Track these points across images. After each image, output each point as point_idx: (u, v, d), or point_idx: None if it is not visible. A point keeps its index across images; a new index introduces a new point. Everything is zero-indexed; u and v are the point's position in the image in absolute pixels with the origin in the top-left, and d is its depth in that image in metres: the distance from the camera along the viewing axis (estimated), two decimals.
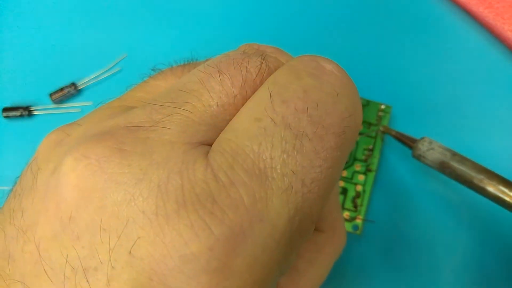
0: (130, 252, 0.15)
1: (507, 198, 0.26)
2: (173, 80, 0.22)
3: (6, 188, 0.35)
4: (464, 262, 0.32)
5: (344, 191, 0.32)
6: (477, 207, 0.33)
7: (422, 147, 0.29)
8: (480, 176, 0.27)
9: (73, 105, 0.36)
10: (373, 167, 0.32)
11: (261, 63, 0.20)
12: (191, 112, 0.18)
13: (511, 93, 0.34)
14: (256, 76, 0.19)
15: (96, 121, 0.19)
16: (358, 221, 0.31)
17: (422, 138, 0.30)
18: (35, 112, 0.36)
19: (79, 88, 0.36)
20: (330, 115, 0.18)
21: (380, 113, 0.32)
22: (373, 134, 0.32)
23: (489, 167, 0.33)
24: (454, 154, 0.28)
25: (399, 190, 0.33)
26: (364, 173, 0.32)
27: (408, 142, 0.30)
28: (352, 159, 0.32)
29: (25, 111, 0.36)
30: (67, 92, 0.35)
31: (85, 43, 0.37)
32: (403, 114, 0.34)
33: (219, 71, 0.19)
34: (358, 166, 0.32)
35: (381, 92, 0.34)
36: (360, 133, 0.32)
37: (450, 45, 0.35)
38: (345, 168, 0.32)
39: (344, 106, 0.18)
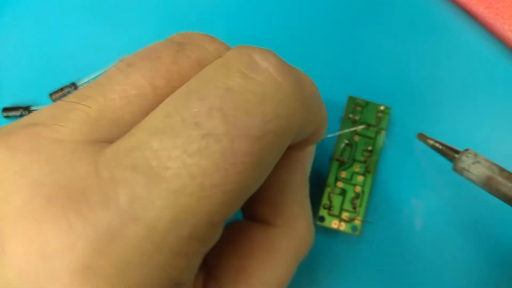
0: (3, 250, 0.15)
1: None
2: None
3: None
4: (464, 262, 0.32)
5: (343, 192, 0.32)
6: (477, 207, 0.33)
7: (467, 160, 0.27)
8: None
9: None
10: (372, 168, 0.32)
11: (177, 51, 0.19)
12: (90, 107, 0.17)
13: (511, 92, 0.34)
14: (171, 64, 0.18)
15: (10, 124, 0.19)
16: (357, 222, 0.31)
17: (466, 149, 0.27)
18: None
19: (79, 88, 0.36)
20: (249, 116, 0.17)
21: (380, 114, 0.32)
22: (373, 135, 0.32)
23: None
24: (502, 170, 0.26)
25: (399, 191, 0.33)
26: (363, 174, 0.32)
27: (449, 153, 0.28)
28: (351, 160, 0.32)
29: (25, 111, 0.36)
30: (67, 92, 0.36)
31: (85, 43, 0.37)
32: (402, 115, 0.34)
33: (128, 63, 0.18)
34: (357, 167, 0.32)
35: (380, 93, 0.34)
36: (360, 135, 0.32)
37: (450, 45, 0.35)
38: (344, 169, 0.32)
39: (270, 108, 0.17)
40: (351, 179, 0.32)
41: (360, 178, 0.32)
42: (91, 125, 0.17)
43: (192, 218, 0.16)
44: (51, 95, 0.36)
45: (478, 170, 0.26)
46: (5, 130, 0.17)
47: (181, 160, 0.15)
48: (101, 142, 0.17)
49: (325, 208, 0.31)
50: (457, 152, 0.28)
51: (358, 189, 0.32)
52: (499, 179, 0.26)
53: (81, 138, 0.17)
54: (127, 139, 0.16)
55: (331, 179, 0.32)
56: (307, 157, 0.26)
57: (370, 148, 0.32)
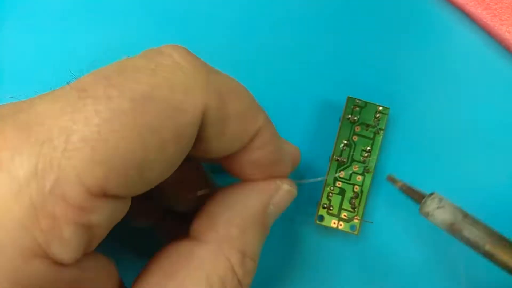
0: None
1: None
2: None
3: None
4: (464, 261, 0.32)
5: (342, 192, 0.32)
6: (477, 206, 0.33)
7: (432, 205, 0.27)
8: (491, 246, 0.25)
9: None
10: (371, 168, 0.32)
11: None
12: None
13: (509, 94, 0.34)
14: None
15: None
16: (356, 222, 0.32)
17: (432, 194, 0.27)
18: None
19: None
20: (135, 82, 0.17)
21: (378, 115, 0.32)
22: (371, 135, 0.32)
23: (488, 166, 0.33)
24: (466, 216, 0.26)
25: (397, 191, 0.33)
26: (362, 174, 0.32)
27: (415, 197, 0.28)
28: (350, 160, 0.32)
29: None
30: None
31: (85, 44, 0.37)
32: (401, 116, 0.34)
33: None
34: (356, 167, 0.32)
35: (379, 94, 0.34)
36: (359, 135, 0.32)
37: (448, 46, 0.35)
38: (343, 169, 0.32)
39: (161, 79, 0.18)
40: (350, 179, 0.32)
41: (359, 178, 0.32)
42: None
43: (54, 171, 0.16)
44: None
45: (442, 216, 0.27)
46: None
47: (56, 116, 0.16)
48: None
49: (324, 208, 0.32)
50: (422, 196, 0.28)
51: (357, 188, 0.32)
52: (462, 225, 0.26)
53: None
54: (20, 103, 0.18)
55: (330, 179, 0.32)
56: (274, 193, 0.24)
57: (368, 148, 0.32)
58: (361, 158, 0.32)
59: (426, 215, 0.27)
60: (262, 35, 0.36)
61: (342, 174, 0.32)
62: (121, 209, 0.18)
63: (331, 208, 0.32)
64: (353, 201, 0.32)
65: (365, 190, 0.32)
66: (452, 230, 0.26)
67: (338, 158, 0.32)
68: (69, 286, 0.18)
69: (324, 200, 0.32)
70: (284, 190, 0.25)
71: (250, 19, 0.36)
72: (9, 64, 0.37)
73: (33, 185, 0.15)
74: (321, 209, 0.32)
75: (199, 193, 0.25)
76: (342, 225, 0.31)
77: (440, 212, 0.27)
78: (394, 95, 0.34)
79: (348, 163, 0.32)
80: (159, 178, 0.19)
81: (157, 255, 0.22)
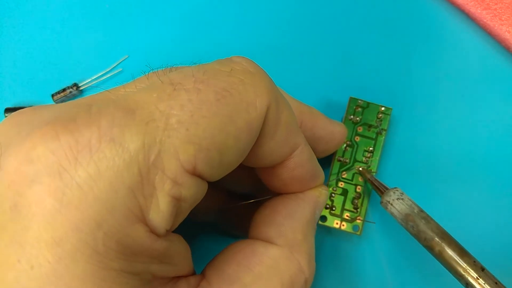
0: None
1: (459, 269, 0.26)
2: None
3: None
4: None
5: (345, 192, 0.32)
6: (476, 205, 0.34)
7: (393, 195, 0.29)
8: (440, 241, 0.27)
9: None
10: (374, 168, 0.32)
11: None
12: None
13: (509, 93, 0.35)
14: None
15: None
16: (359, 222, 0.32)
17: (395, 188, 0.29)
18: None
19: (81, 88, 0.36)
20: (217, 78, 0.20)
21: (380, 115, 0.33)
22: (374, 135, 0.33)
23: (486, 166, 0.34)
24: (421, 211, 0.28)
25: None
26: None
27: (380, 188, 0.30)
28: (352, 161, 0.32)
29: None
30: (69, 93, 0.36)
31: (87, 44, 0.37)
32: (403, 116, 0.34)
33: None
34: (358, 168, 0.32)
35: (381, 94, 0.35)
36: (361, 135, 0.33)
37: (448, 46, 0.36)
38: (345, 170, 0.32)
39: (236, 79, 0.21)
40: (352, 179, 0.32)
41: (361, 178, 0.32)
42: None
43: (157, 145, 0.18)
44: (53, 95, 0.36)
45: (400, 206, 0.29)
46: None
47: (155, 103, 0.19)
48: None
49: (326, 208, 0.32)
50: (387, 189, 0.30)
51: (359, 189, 0.32)
52: (417, 218, 0.28)
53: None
54: (119, 92, 0.21)
55: (332, 180, 0.32)
56: (318, 200, 0.27)
57: (371, 148, 0.32)
58: (363, 159, 0.32)
59: (386, 204, 0.29)
60: (266, 36, 0.36)
61: (344, 174, 0.32)
62: (202, 190, 0.21)
63: (333, 208, 0.32)
64: (356, 201, 0.32)
65: (368, 190, 0.32)
66: (406, 220, 0.28)
67: (341, 159, 0.32)
68: (160, 255, 0.20)
69: (327, 201, 0.32)
70: (325, 193, 0.28)
71: (254, 20, 0.37)
72: (10, 64, 0.37)
73: (141, 156, 0.18)
74: (323, 209, 0.32)
75: None
76: (344, 226, 0.32)
77: (398, 203, 0.29)
78: (396, 96, 0.35)
79: (351, 164, 0.32)
80: (233, 164, 0.22)
81: (229, 248, 0.25)
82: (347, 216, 0.32)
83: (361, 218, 0.32)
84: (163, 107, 0.19)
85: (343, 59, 0.36)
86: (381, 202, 0.30)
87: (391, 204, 0.29)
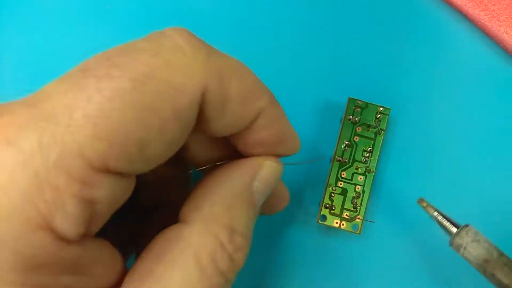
0: None
1: None
2: None
3: None
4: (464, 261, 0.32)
5: (344, 192, 0.32)
6: (476, 205, 0.34)
7: (466, 237, 0.25)
8: None
9: None
10: (373, 168, 0.33)
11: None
12: None
13: (507, 94, 0.35)
14: None
15: None
16: (358, 221, 0.32)
17: (467, 225, 0.26)
18: None
19: None
20: (135, 62, 0.18)
21: (379, 115, 0.33)
22: (373, 135, 0.33)
23: (487, 167, 0.34)
24: (501, 254, 0.25)
25: (398, 190, 0.34)
26: (364, 174, 0.32)
27: (448, 227, 0.27)
28: (351, 161, 0.32)
29: None
30: None
31: (88, 44, 0.37)
32: (401, 116, 0.35)
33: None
34: (357, 167, 0.32)
35: (380, 95, 0.35)
36: (360, 135, 0.33)
37: (446, 47, 0.36)
38: (345, 170, 0.32)
39: (161, 60, 0.19)
40: (351, 179, 0.32)
41: (360, 178, 0.32)
42: None
43: (57, 145, 0.16)
44: None
45: (477, 250, 0.25)
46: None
47: (61, 94, 0.17)
48: None
49: (326, 208, 0.32)
50: (457, 226, 0.27)
51: (358, 188, 0.32)
52: (497, 264, 0.25)
53: None
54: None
55: (332, 179, 0.32)
56: (258, 172, 0.24)
57: (370, 148, 0.33)
58: (363, 159, 0.33)
59: (459, 247, 0.26)
60: (263, 36, 0.36)
61: (344, 174, 0.32)
62: (124, 188, 0.19)
63: (333, 208, 0.32)
64: (355, 201, 0.32)
65: (367, 190, 0.32)
66: (485, 267, 0.25)
67: (340, 159, 0.32)
68: (72, 264, 0.18)
69: (326, 200, 0.32)
70: (268, 166, 0.24)
71: (251, 20, 0.37)
72: (10, 64, 0.37)
73: (38, 157, 0.16)
74: (323, 209, 0.32)
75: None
76: (344, 225, 0.32)
77: (474, 246, 0.25)
78: (394, 96, 0.35)
79: (350, 164, 0.32)
80: (160, 157, 0.19)
81: (149, 243, 0.22)
82: (346, 215, 0.32)
83: (360, 217, 0.32)
84: (69, 99, 0.17)
85: (341, 60, 0.36)
86: (451, 244, 0.27)
87: (465, 248, 0.25)
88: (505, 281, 0.24)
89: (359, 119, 0.33)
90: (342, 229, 0.32)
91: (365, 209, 0.32)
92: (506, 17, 0.35)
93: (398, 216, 0.33)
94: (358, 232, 0.32)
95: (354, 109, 0.33)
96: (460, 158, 0.34)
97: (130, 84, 0.17)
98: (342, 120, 0.33)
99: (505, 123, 0.35)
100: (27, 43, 0.37)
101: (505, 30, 0.35)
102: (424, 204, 0.29)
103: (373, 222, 0.33)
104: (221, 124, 0.21)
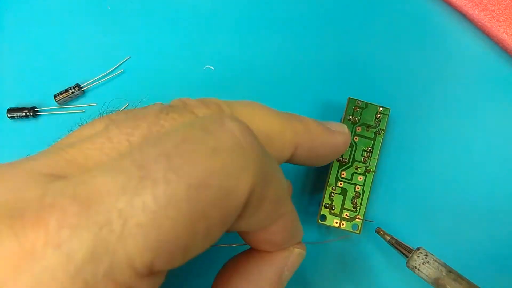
0: None
1: None
2: (99, 127, 0.22)
3: None
4: (464, 261, 0.32)
5: (344, 192, 0.32)
6: (476, 203, 0.34)
7: (418, 260, 0.29)
8: None
9: (77, 106, 0.37)
10: (372, 168, 0.33)
11: (162, 112, 0.20)
12: (66, 152, 0.19)
13: (507, 94, 0.35)
14: (153, 124, 0.20)
15: None
16: (358, 221, 0.32)
17: (418, 249, 0.29)
18: (40, 113, 0.36)
19: (84, 89, 0.36)
20: (194, 165, 0.17)
21: (379, 115, 0.33)
22: (372, 135, 0.33)
23: (485, 167, 0.34)
24: (450, 271, 0.28)
25: (398, 190, 0.34)
26: (363, 174, 0.33)
27: (403, 251, 0.30)
28: (351, 160, 0.33)
29: (30, 112, 0.36)
30: (72, 94, 0.36)
31: (89, 45, 0.37)
32: (401, 116, 0.35)
33: (115, 121, 0.20)
34: (357, 167, 0.33)
35: (380, 95, 0.35)
36: (360, 135, 0.33)
37: (446, 47, 0.36)
38: (345, 169, 0.32)
39: (220, 163, 0.17)
40: (351, 179, 0.32)
41: (360, 178, 0.32)
42: (61, 164, 0.19)
43: (109, 255, 0.16)
44: (55, 96, 0.36)
45: (427, 270, 0.28)
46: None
47: (116, 196, 0.16)
48: (61, 176, 0.18)
49: (326, 207, 0.32)
50: (410, 250, 0.29)
51: (358, 188, 0.32)
52: (447, 280, 0.27)
53: (47, 171, 0.18)
54: (82, 173, 0.17)
55: (332, 179, 0.32)
56: (286, 262, 0.25)
57: (369, 148, 0.33)
58: (362, 158, 0.33)
59: (413, 269, 0.29)
60: (264, 37, 0.37)
61: (343, 174, 0.32)
62: (161, 279, 0.19)
63: (333, 207, 0.32)
64: (355, 200, 0.32)
65: (367, 189, 0.32)
66: (437, 285, 0.28)
67: (340, 158, 0.32)
68: None
69: (326, 200, 0.32)
70: (296, 254, 0.25)
71: (253, 21, 0.37)
72: (12, 64, 0.37)
73: (89, 268, 0.15)
74: (323, 209, 0.32)
75: None
76: (344, 225, 0.32)
77: (425, 268, 0.28)
78: (394, 96, 0.35)
79: (350, 163, 0.33)
80: (199, 253, 0.19)
81: None
82: (346, 215, 0.32)
83: (360, 217, 0.32)
84: (123, 204, 0.16)
85: (341, 60, 0.36)
86: (407, 266, 0.29)
87: (418, 269, 0.29)
88: None
89: (359, 119, 0.33)
90: (342, 229, 0.32)
91: (365, 209, 0.32)
92: (506, 17, 0.35)
93: (398, 216, 0.34)
94: (358, 231, 0.32)
95: (354, 109, 0.33)
96: (460, 158, 0.34)
97: (186, 193, 0.17)
98: (342, 120, 0.33)
99: (505, 122, 0.35)
100: (30, 43, 0.37)
101: (505, 30, 0.35)
102: (381, 233, 0.31)
103: (373, 222, 0.33)
104: (248, 223, 0.21)
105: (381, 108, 0.33)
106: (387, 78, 0.35)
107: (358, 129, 0.33)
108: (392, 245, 0.31)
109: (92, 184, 0.16)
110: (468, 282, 0.27)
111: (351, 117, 0.33)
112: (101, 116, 0.22)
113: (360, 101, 0.33)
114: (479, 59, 0.36)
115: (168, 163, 0.17)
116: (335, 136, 0.29)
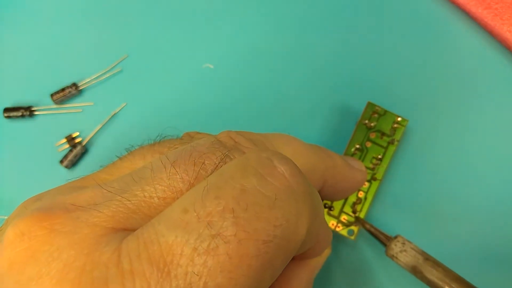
0: None
1: None
2: (140, 161, 0.22)
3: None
4: (464, 267, 0.33)
5: None
6: (485, 215, 0.34)
7: (395, 248, 0.29)
8: (452, 285, 0.27)
9: (74, 106, 0.36)
10: (379, 176, 0.32)
11: (221, 160, 0.20)
12: (129, 200, 0.18)
13: (510, 93, 0.35)
14: (211, 173, 0.19)
15: (51, 196, 0.20)
16: (355, 227, 0.32)
17: (396, 237, 0.29)
18: (36, 113, 0.36)
19: (80, 88, 0.36)
20: (259, 219, 0.17)
21: (395, 125, 0.32)
22: (385, 144, 0.32)
23: (488, 167, 0.34)
24: (427, 259, 0.28)
25: (402, 203, 0.34)
26: (369, 181, 0.32)
27: (382, 239, 0.30)
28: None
29: (26, 112, 0.36)
30: (68, 93, 0.36)
31: (86, 43, 0.37)
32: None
33: (174, 163, 0.19)
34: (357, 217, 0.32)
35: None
36: (372, 142, 0.32)
37: (449, 46, 0.36)
38: None
39: (280, 213, 0.18)
40: None
41: (365, 184, 0.32)
42: (126, 216, 0.18)
43: None
44: (52, 95, 0.36)
45: (405, 259, 0.28)
46: (47, 204, 0.19)
47: (191, 258, 0.16)
48: (126, 229, 0.18)
49: (325, 207, 0.32)
50: (389, 239, 0.30)
51: (361, 194, 0.32)
52: (423, 267, 0.28)
53: (113, 225, 0.18)
54: (148, 230, 0.17)
55: None
56: (318, 265, 0.27)
57: (380, 156, 0.32)
58: (371, 165, 0.32)
59: (391, 257, 0.29)
60: (264, 36, 0.36)
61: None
62: None
63: (332, 208, 0.32)
64: (355, 206, 0.32)
65: (370, 197, 0.32)
66: (414, 272, 0.28)
67: None
68: None
69: (326, 200, 0.32)
70: (325, 255, 0.28)
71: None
72: (8, 63, 0.37)
73: None
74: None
75: None
76: (340, 228, 0.32)
77: (402, 256, 0.28)
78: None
79: None
80: None
81: None
82: (344, 219, 0.32)
83: (356, 224, 0.32)
84: (200, 267, 0.16)
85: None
86: (386, 255, 0.30)
87: (396, 258, 0.29)
88: (434, 279, 0.27)
89: (375, 125, 0.32)
90: (337, 232, 0.32)
91: (364, 215, 0.32)
92: (509, 16, 0.35)
93: (397, 228, 0.33)
94: (353, 238, 0.32)
95: (371, 114, 0.32)
96: (472, 170, 0.34)
97: (256, 248, 0.17)
98: (357, 123, 0.33)
99: (509, 121, 0.35)
100: (26, 42, 0.37)
101: (508, 28, 0.34)
102: (361, 221, 0.32)
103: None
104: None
105: (399, 119, 0.33)
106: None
107: (372, 135, 0.32)
108: (372, 233, 0.31)
109: (164, 243, 0.16)
110: (444, 268, 0.28)
111: (367, 121, 0.32)
112: (152, 143, 0.23)
113: (380, 107, 0.33)
114: (482, 58, 0.35)
115: (235, 219, 0.17)
116: (357, 173, 0.30)
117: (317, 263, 0.27)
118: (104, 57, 0.36)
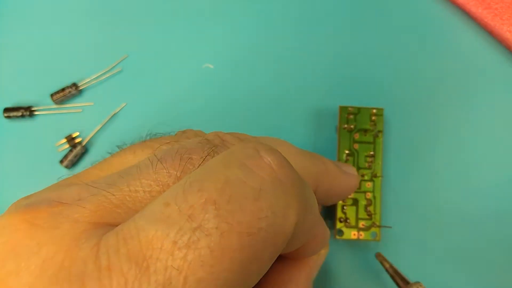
0: None
1: None
2: (130, 155, 0.22)
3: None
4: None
5: (355, 202, 0.32)
6: (478, 198, 0.34)
7: None
8: None
9: (74, 106, 0.36)
10: (379, 171, 0.32)
11: (208, 154, 0.19)
12: (113, 195, 0.18)
13: (509, 93, 0.35)
14: (198, 167, 0.19)
15: (39, 193, 0.20)
16: (375, 229, 0.32)
17: (417, 283, 0.28)
18: (36, 113, 0.36)
19: (80, 88, 0.36)
20: (243, 211, 0.17)
21: (374, 118, 0.32)
22: (371, 139, 0.33)
23: (488, 167, 0.34)
24: None
25: (408, 190, 0.34)
26: (371, 180, 0.32)
27: (399, 283, 0.29)
28: (356, 169, 0.32)
29: (26, 112, 0.35)
30: (68, 93, 0.35)
31: (86, 43, 0.36)
32: (397, 116, 0.35)
33: (161, 159, 0.19)
34: (363, 175, 0.32)
35: (372, 97, 0.35)
36: (359, 142, 0.33)
37: (449, 46, 0.36)
38: None
39: (266, 204, 0.17)
40: (360, 187, 0.32)
41: (368, 185, 0.32)
42: (109, 210, 0.18)
43: None
44: (52, 95, 0.35)
45: None
46: (33, 200, 0.19)
47: (171, 252, 0.16)
48: (109, 225, 0.18)
49: (341, 222, 0.32)
50: (407, 283, 0.29)
51: (369, 195, 0.32)
52: None
53: (96, 220, 0.18)
54: (128, 225, 0.17)
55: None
56: (315, 264, 0.27)
57: (371, 152, 0.32)
58: (366, 164, 0.32)
59: None
60: (257, 43, 0.36)
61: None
62: None
63: (347, 220, 0.32)
64: (368, 208, 0.32)
65: (377, 194, 0.32)
66: None
67: None
68: None
69: (340, 214, 0.32)
70: (323, 255, 0.27)
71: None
72: (8, 63, 0.36)
73: None
74: (338, 223, 0.32)
75: None
76: (362, 235, 0.32)
77: None
78: (388, 96, 0.35)
79: None
80: None
81: None
82: (362, 225, 0.32)
83: (377, 224, 0.32)
84: (180, 261, 0.16)
85: (332, 60, 0.36)
86: None
87: None
88: None
89: (355, 126, 0.32)
90: (361, 240, 0.32)
91: (380, 215, 0.32)
92: (509, 16, 0.35)
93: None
94: (377, 239, 0.32)
95: (347, 117, 0.32)
96: (460, 153, 0.35)
97: (239, 241, 0.16)
98: (338, 130, 0.33)
99: (508, 120, 0.35)
100: (26, 42, 0.37)
101: (508, 28, 0.35)
102: (380, 259, 0.31)
103: (390, 227, 0.33)
104: (285, 250, 0.20)
105: (374, 110, 0.33)
106: (383, 78, 0.35)
107: (356, 135, 0.33)
108: (390, 274, 0.30)
109: (144, 238, 0.16)
110: None
111: (346, 125, 0.32)
112: (143, 140, 0.23)
113: (352, 107, 0.33)
114: (482, 58, 0.36)
115: (217, 211, 0.16)
116: (349, 178, 0.30)
117: (314, 263, 0.26)
118: (104, 57, 0.36)
